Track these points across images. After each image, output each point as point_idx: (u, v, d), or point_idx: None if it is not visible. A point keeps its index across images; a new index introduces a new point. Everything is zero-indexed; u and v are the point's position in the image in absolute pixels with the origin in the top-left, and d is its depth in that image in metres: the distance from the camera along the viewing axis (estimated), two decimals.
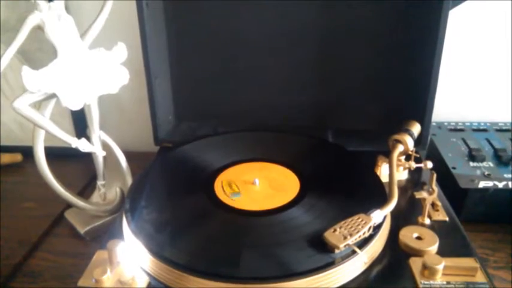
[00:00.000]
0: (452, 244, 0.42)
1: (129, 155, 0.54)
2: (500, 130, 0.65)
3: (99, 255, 0.40)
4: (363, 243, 0.38)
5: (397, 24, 0.57)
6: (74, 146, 0.48)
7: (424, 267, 0.37)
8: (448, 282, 0.37)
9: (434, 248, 0.40)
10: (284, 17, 0.59)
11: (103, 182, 0.55)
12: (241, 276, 0.36)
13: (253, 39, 0.60)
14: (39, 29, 0.43)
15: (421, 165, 0.49)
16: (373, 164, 0.52)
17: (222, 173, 0.50)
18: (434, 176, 0.44)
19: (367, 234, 0.39)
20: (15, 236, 0.53)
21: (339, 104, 0.63)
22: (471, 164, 0.56)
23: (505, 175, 0.53)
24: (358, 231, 0.38)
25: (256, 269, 0.37)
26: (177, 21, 0.61)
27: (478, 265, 0.38)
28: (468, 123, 0.67)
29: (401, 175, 0.52)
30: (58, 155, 0.52)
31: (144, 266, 0.39)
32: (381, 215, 0.40)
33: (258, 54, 0.61)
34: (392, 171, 0.46)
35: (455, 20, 0.61)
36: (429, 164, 0.48)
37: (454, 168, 0.55)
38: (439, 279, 0.37)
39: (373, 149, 0.54)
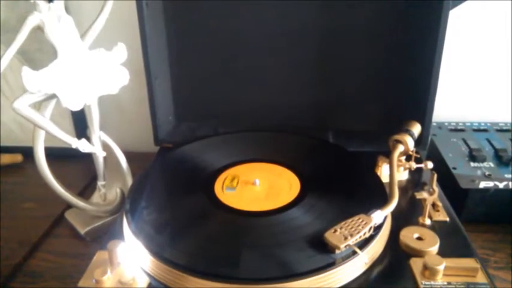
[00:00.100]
0: (453, 244, 0.41)
1: (129, 156, 0.54)
2: (501, 130, 0.65)
3: (100, 255, 0.40)
4: (363, 244, 0.38)
5: (397, 24, 0.57)
6: (74, 146, 0.47)
7: (425, 267, 0.37)
8: (449, 283, 0.37)
9: (435, 248, 0.40)
10: (284, 17, 0.59)
11: (103, 183, 0.55)
12: (241, 276, 0.36)
13: (253, 39, 0.60)
14: (39, 29, 0.43)
15: (422, 165, 0.49)
16: (374, 165, 0.52)
17: (222, 173, 0.50)
18: (435, 176, 0.44)
19: (367, 235, 0.39)
20: (15, 237, 0.53)
21: (339, 104, 0.63)
22: (472, 164, 0.56)
23: (506, 175, 0.53)
24: (358, 232, 0.38)
25: (256, 269, 0.37)
26: (177, 21, 0.61)
27: (478, 266, 0.38)
28: (468, 124, 0.67)
29: (402, 175, 0.52)
30: (58, 156, 0.52)
31: (145, 266, 0.39)
32: (381, 216, 0.40)
33: (258, 54, 0.61)
34: (393, 172, 0.46)
35: (456, 20, 0.61)
36: (430, 165, 0.49)
37: (454, 168, 0.55)
38: (440, 279, 0.37)
39: (374, 150, 0.54)
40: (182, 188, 0.48)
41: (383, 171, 0.51)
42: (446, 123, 0.67)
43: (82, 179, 0.64)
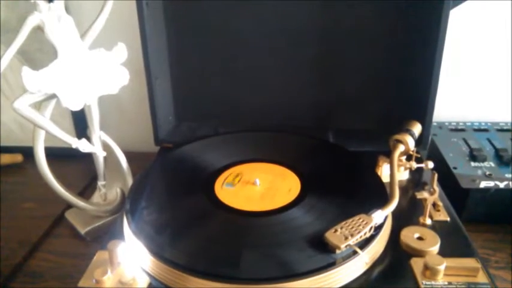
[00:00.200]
0: (454, 244, 0.41)
1: (129, 156, 0.54)
2: (501, 130, 0.64)
3: (100, 255, 0.40)
4: (364, 244, 0.38)
5: (397, 24, 0.57)
6: (74, 146, 0.47)
7: (426, 267, 0.37)
8: (450, 283, 0.37)
9: (435, 248, 0.40)
10: (284, 17, 0.59)
11: (103, 183, 0.55)
12: (242, 276, 0.36)
13: (253, 39, 0.60)
14: (39, 29, 0.43)
15: (422, 165, 0.49)
16: (374, 164, 0.52)
17: (223, 173, 0.50)
18: (436, 176, 0.44)
19: (368, 235, 0.39)
20: (15, 237, 0.53)
21: (339, 104, 0.63)
22: (472, 164, 0.56)
23: (506, 175, 0.53)
24: (359, 232, 0.38)
25: (256, 269, 0.37)
26: (177, 21, 0.61)
27: (479, 265, 0.38)
28: (469, 123, 0.67)
29: (402, 175, 0.52)
30: (58, 156, 0.52)
31: (145, 266, 0.39)
32: (382, 215, 0.40)
33: (258, 54, 0.61)
34: (393, 172, 0.46)
35: (456, 19, 0.61)
36: (430, 164, 0.48)
37: (455, 168, 0.55)
38: (441, 279, 0.37)
39: (374, 149, 0.54)
40: (182, 188, 0.48)
41: (383, 171, 0.51)
42: (446, 123, 0.67)
43: (82, 179, 0.64)
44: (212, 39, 0.61)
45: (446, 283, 0.37)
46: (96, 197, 0.55)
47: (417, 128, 0.51)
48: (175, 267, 0.37)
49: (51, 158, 0.50)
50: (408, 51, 0.57)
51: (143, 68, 0.57)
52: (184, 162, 0.53)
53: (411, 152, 0.49)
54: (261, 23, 0.59)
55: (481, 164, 0.55)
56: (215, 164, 0.51)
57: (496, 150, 0.58)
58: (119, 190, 0.53)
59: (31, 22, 0.42)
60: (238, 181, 0.48)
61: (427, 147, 0.58)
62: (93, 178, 0.57)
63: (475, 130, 0.65)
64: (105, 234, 0.46)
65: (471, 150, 0.58)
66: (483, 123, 0.66)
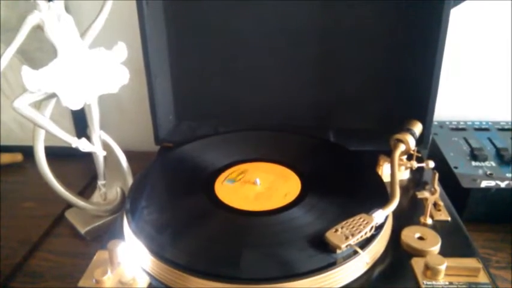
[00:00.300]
0: (455, 244, 0.41)
1: (129, 155, 0.54)
2: (502, 129, 0.64)
3: (100, 255, 0.40)
4: (364, 244, 0.38)
5: (397, 24, 0.57)
6: (74, 145, 0.47)
7: (427, 267, 0.37)
8: (451, 283, 0.36)
9: (436, 248, 0.40)
10: (284, 17, 0.59)
11: (103, 182, 0.55)
12: (242, 276, 0.36)
13: (253, 39, 0.60)
14: (39, 28, 0.43)
15: (423, 164, 0.49)
16: (375, 164, 0.52)
17: (223, 173, 0.50)
18: (437, 175, 0.44)
19: (369, 234, 0.38)
20: (15, 236, 0.53)
21: (339, 103, 0.63)
22: (473, 163, 0.56)
23: (507, 174, 0.53)
24: (359, 231, 0.38)
25: (257, 269, 0.37)
26: (177, 20, 0.60)
27: (480, 265, 0.38)
28: (470, 123, 0.66)
29: (403, 175, 0.52)
30: (58, 155, 0.52)
31: (145, 266, 0.39)
32: (382, 215, 0.40)
33: (258, 54, 0.61)
34: (394, 171, 0.45)
35: (456, 19, 0.61)
36: (431, 164, 0.48)
37: (456, 167, 0.55)
38: (442, 279, 0.37)
39: (375, 149, 0.54)
40: (183, 187, 0.48)
41: (384, 171, 0.51)
42: (447, 122, 0.67)
43: (82, 178, 0.64)
44: (212, 38, 0.61)
45: (447, 283, 0.36)
46: (96, 197, 0.55)
47: (418, 128, 0.51)
48: (175, 267, 0.37)
49: (51, 158, 0.50)
50: (408, 51, 0.57)
51: (143, 67, 0.57)
52: (185, 161, 0.53)
53: (412, 152, 0.49)
54: (261, 23, 0.59)
55: (482, 164, 0.55)
56: (215, 164, 0.51)
57: (497, 150, 0.58)
58: (119, 189, 0.53)
59: (31, 21, 0.42)
60: (240, 179, 0.48)
61: (427, 146, 0.58)
62: (93, 177, 0.57)
63: (476, 129, 0.65)
64: (105, 234, 0.46)
65: (472, 149, 0.58)
66: (484, 123, 0.66)
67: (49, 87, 0.42)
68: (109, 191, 0.55)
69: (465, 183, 0.52)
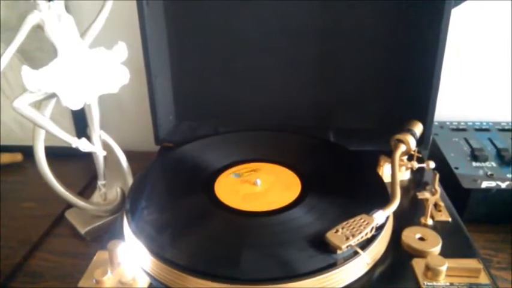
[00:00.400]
0: (455, 245, 0.41)
1: (129, 155, 0.53)
2: (503, 130, 0.64)
3: (100, 255, 0.40)
4: (365, 244, 0.38)
5: (398, 24, 0.57)
6: (74, 145, 0.47)
7: (427, 268, 0.37)
8: (452, 284, 0.36)
9: (437, 249, 0.40)
10: (284, 17, 0.59)
11: (103, 182, 0.54)
12: (242, 277, 0.36)
13: (253, 39, 0.60)
14: (39, 28, 0.43)
15: (424, 165, 0.49)
16: (375, 164, 0.52)
17: (223, 173, 0.50)
18: (437, 176, 0.44)
19: (369, 235, 0.38)
20: (15, 236, 0.53)
21: (339, 103, 0.63)
22: (474, 164, 0.56)
23: (508, 175, 0.53)
24: (360, 232, 0.38)
25: (257, 270, 0.37)
26: (177, 20, 0.60)
27: (481, 266, 0.38)
28: (470, 123, 0.66)
29: (404, 175, 0.52)
30: (58, 155, 0.52)
31: (145, 266, 0.39)
32: (383, 216, 0.40)
33: (258, 54, 0.61)
34: (395, 171, 0.45)
35: (456, 19, 0.61)
36: (431, 164, 0.48)
37: (456, 168, 0.55)
38: (442, 280, 0.37)
39: (375, 149, 0.54)
40: (183, 187, 0.48)
41: (385, 171, 0.51)
42: (448, 123, 0.66)
43: (82, 178, 0.64)
44: (212, 38, 0.61)
45: (448, 284, 0.36)
46: (96, 197, 0.55)
47: (418, 128, 0.51)
48: (175, 267, 0.37)
49: (51, 158, 0.50)
50: (408, 51, 0.57)
51: (143, 67, 0.57)
52: (185, 161, 0.53)
53: (412, 152, 0.49)
54: (261, 23, 0.59)
55: (483, 164, 0.55)
56: (215, 164, 0.51)
57: (498, 150, 0.58)
58: (119, 190, 0.53)
59: (31, 21, 0.42)
60: (247, 176, 0.48)
61: (428, 147, 0.58)
62: (93, 177, 0.57)
63: (477, 130, 0.64)
64: (105, 234, 0.46)
65: (472, 150, 0.58)
66: (484, 123, 0.66)
67: (49, 87, 0.42)
68: (109, 191, 0.55)
69: (466, 184, 0.52)
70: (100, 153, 0.51)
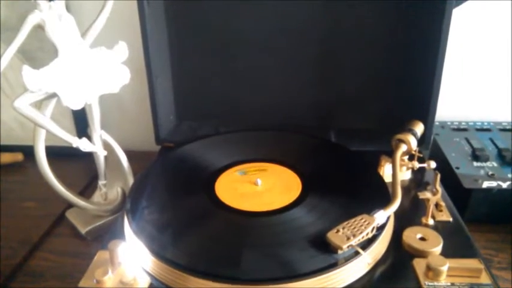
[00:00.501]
0: (457, 245, 0.41)
1: (130, 155, 0.54)
2: (504, 130, 0.64)
3: (101, 255, 0.40)
4: (366, 244, 0.38)
5: (398, 24, 0.57)
6: (75, 145, 0.47)
7: (428, 268, 0.37)
8: (453, 284, 0.36)
9: (438, 249, 0.40)
10: (284, 17, 0.59)
11: (104, 182, 0.54)
12: (243, 277, 0.36)
13: (253, 39, 0.60)
14: (39, 28, 0.43)
15: (425, 165, 0.49)
16: (376, 164, 0.52)
17: (224, 173, 0.50)
18: (438, 176, 0.44)
19: (370, 235, 0.38)
20: (15, 236, 0.53)
21: (340, 103, 0.63)
22: (475, 163, 0.56)
23: (509, 175, 0.53)
24: (361, 232, 0.37)
25: (258, 270, 0.37)
26: (178, 20, 0.60)
27: (482, 266, 0.38)
28: (471, 123, 0.66)
29: (405, 175, 0.52)
30: (59, 155, 0.52)
31: (146, 266, 0.39)
32: (384, 216, 0.40)
33: (258, 54, 0.61)
34: (396, 171, 0.45)
35: (457, 19, 0.61)
36: (432, 164, 0.48)
37: (457, 168, 0.55)
38: (443, 280, 0.37)
39: (376, 149, 0.54)
40: (183, 187, 0.48)
41: (385, 171, 0.51)
42: (449, 123, 0.66)
43: (83, 178, 0.64)
44: (213, 38, 0.61)
45: (449, 284, 0.36)
46: (97, 197, 0.55)
47: (419, 128, 0.51)
48: (176, 267, 0.37)
49: (51, 157, 0.50)
50: (408, 51, 0.57)
51: (144, 67, 0.57)
52: (185, 161, 0.53)
53: (413, 152, 0.49)
54: (261, 23, 0.59)
55: (484, 164, 0.55)
56: (216, 164, 0.51)
57: (499, 150, 0.58)
58: (119, 189, 0.53)
59: (31, 21, 0.42)
60: (252, 175, 0.48)
61: (429, 146, 0.58)
62: (94, 177, 0.57)
63: (478, 130, 0.64)
64: (105, 234, 0.46)
65: (473, 150, 0.58)
66: (485, 123, 0.66)
67: (50, 86, 0.42)
68: (110, 191, 0.55)
69: (467, 184, 0.51)
70: (101, 153, 0.51)
